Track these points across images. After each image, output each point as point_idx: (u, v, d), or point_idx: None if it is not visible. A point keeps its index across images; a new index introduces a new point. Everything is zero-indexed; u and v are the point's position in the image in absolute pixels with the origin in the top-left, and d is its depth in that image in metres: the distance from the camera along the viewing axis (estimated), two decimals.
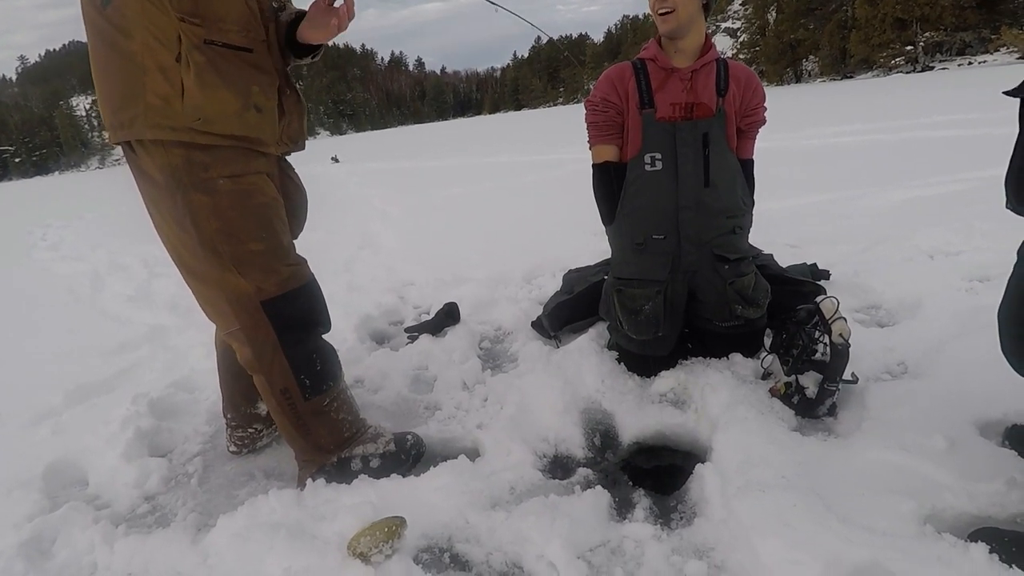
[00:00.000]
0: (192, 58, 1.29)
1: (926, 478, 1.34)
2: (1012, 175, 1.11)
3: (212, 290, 1.46)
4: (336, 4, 1.43)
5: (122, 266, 4.98)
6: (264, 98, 1.41)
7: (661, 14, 1.71)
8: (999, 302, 2.16)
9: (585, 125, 1.92)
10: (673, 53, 1.79)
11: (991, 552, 1.12)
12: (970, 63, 32.64)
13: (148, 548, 1.40)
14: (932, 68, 33.71)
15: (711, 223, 1.85)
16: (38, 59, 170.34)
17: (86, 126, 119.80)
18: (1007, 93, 1.05)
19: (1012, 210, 1.14)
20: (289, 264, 1.51)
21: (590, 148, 1.93)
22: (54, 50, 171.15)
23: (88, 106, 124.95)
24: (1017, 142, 1.09)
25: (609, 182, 1.89)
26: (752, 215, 1.98)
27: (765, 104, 1.92)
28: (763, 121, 1.94)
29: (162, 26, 1.27)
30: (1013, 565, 1.09)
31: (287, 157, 1.66)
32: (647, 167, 1.81)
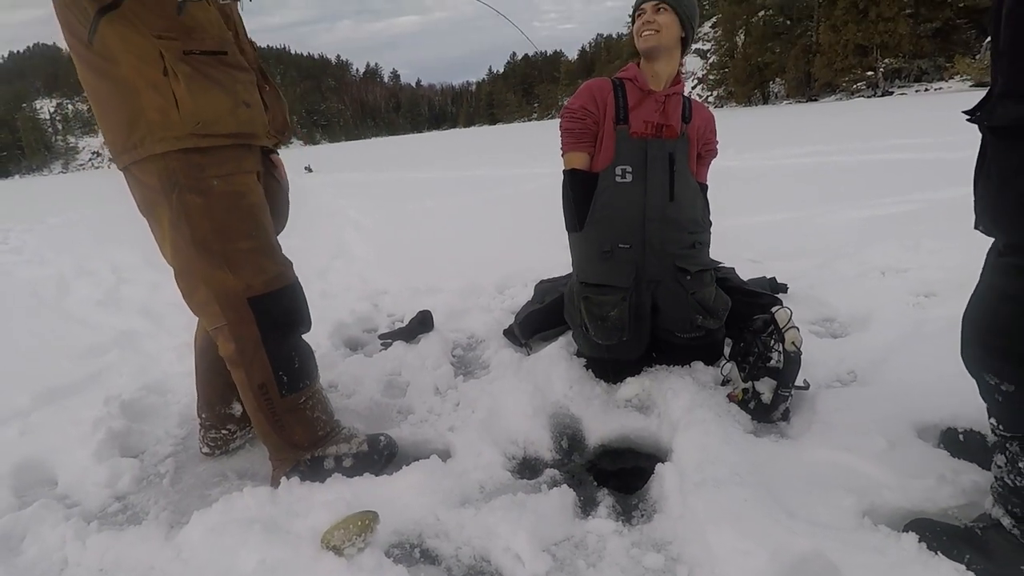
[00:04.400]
0: (178, 70, 1.37)
1: (866, 476, 1.44)
2: (988, 197, 1.11)
3: (202, 287, 1.50)
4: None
5: (89, 271, 4.89)
6: (248, 94, 1.51)
7: (645, 33, 1.87)
8: (946, 314, 2.32)
9: (560, 132, 2.01)
10: (651, 76, 1.92)
11: (920, 541, 1.22)
12: (927, 89, 34.10)
13: (121, 544, 1.42)
14: (892, 93, 35.11)
15: (674, 236, 1.97)
16: (1, 61, 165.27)
17: (49, 129, 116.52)
18: (967, 113, 1.11)
19: (984, 232, 1.16)
20: (276, 263, 1.57)
21: (563, 155, 2.02)
22: (17, 52, 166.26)
23: (52, 109, 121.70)
24: (984, 164, 1.11)
25: (579, 189, 1.97)
26: (710, 233, 2.12)
27: (717, 139, 2.13)
28: (715, 153, 2.15)
29: (143, 47, 1.36)
30: (939, 552, 1.19)
31: (278, 152, 1.75)
32: (617, 179, 1.92)
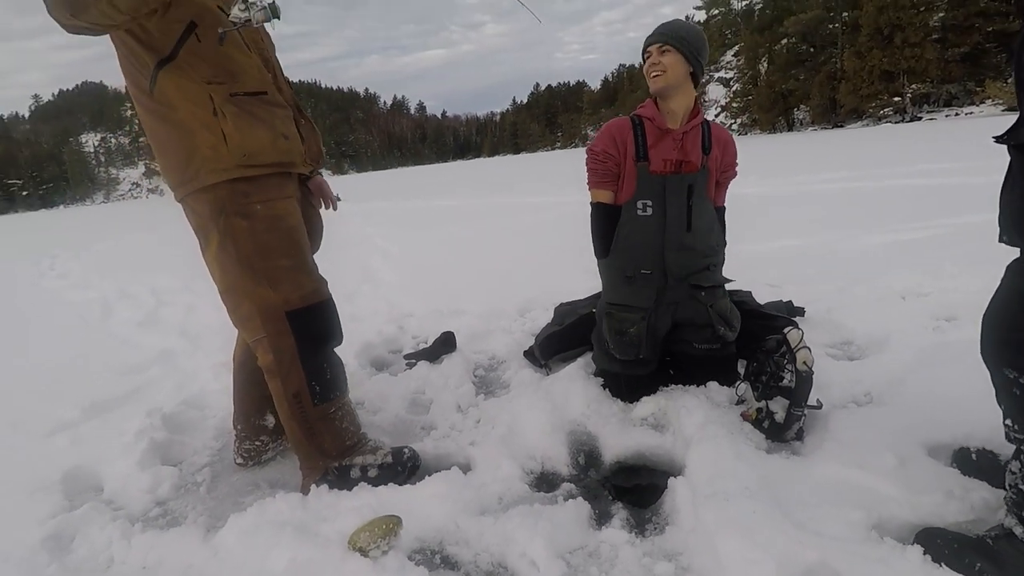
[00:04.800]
0: (225, 110, 1.55)
1: (875, 491, 1.47)
2: (1012, 210, 1.18)
3: (245, 302, 1.65)
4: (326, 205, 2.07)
5: (130, 295, 5.13)
6: (286, 127, 1.68)
7: (653, 75, 1.97)
8: (967, 337, 2.33)
9: (585, 169, 2.13)
10: (667, 114, 2.01)
11: (925, 553, 1.25)
12: (957, 114, 33.46)
13: (162, 544, 1.52)
14: (920, 118, 34.51)
15: (691, 262, 2.08)
16: (51, 98, 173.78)
17: (93, 161, 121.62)
18: (996, 139, 1.18)
19: (1008, 243, 1.22)
20: (313, 280, 1.72)
21: (589, 189, 2.14)
22: (67, 89, 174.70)
23: (96, 143, 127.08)
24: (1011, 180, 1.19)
25: (604, 221, 2.11)
26: (724, 253, 2.22)
27: (737, 160, 2.21)
28: (735, 174, 2.23)
29: (196, 93, 1.54)
30: (943, 564, 1.22)
31: (321, 174, 1.95)
32: (639, 212, 2.04)
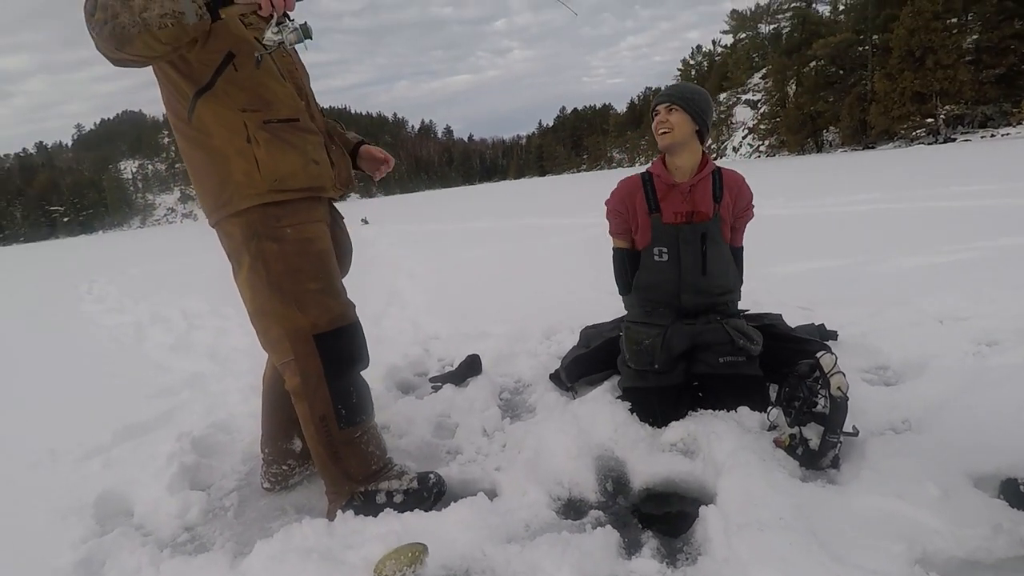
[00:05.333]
0: (259, 137, 1.60)
1: (918, 523, 1.40)
2: None
3: (274, 324, 1.67)
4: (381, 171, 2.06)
5: (163, 318, 5.26)
6: (317, 152, 1.72)
7: (661, 133, 2.10)
8: (1010, 362, 2.24)
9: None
10: (675, 170, 2.15)
11: None
12: (992, 135, 32.66)
13: (190, 570, 1.53)
14: (954, 139, 33.72)
15: (706, 301, 2.20)
16: (93, 127, 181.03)
17: (131, 188, 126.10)
18: None
19: None
20: (340, 303, 1.74)
21: (610, 235, 2.34)
22: (108, 119, 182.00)
23: (135, 169, 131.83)
24: None
25: (623, 264, 2.30)
26: (740, 292, 2.32)
27: (753, 203, 2.28)
28: (751, 217, 2.31)
29: (231, 120, 1.59)
30: None
31: (338, 207, 1.96)
32: (655, 257, 2.19)
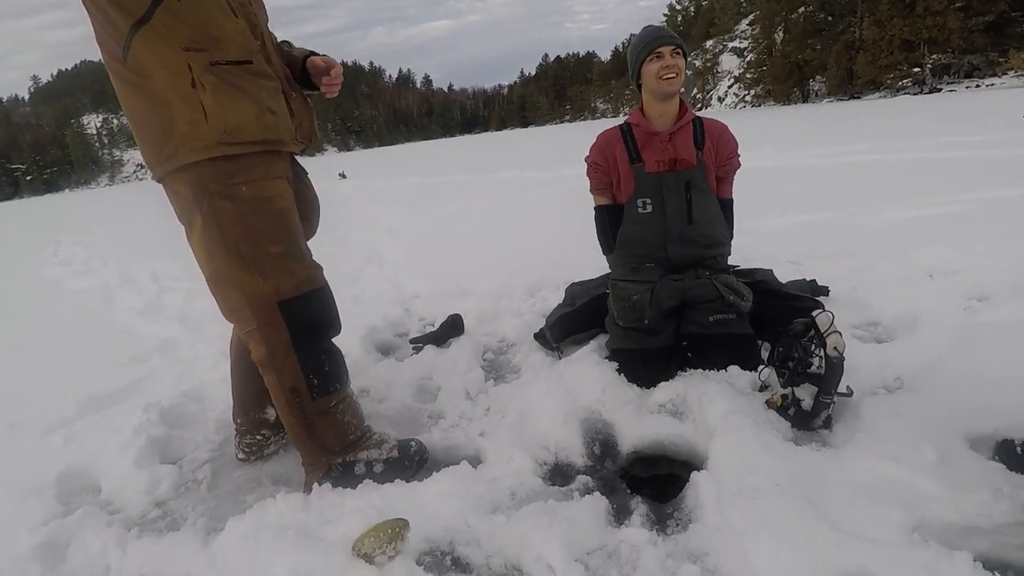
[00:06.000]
0: (205, 81, 1.41)
1: (915, 489, 1.36)
2: None
3: (234, 291, 1.54)
4: (330, 83, 1.75)
5: (132, 280, 5.07)
6: (274, 101, 1.54)
7: (668, 77, 2.01)
8: (1002, 318, 2.21)
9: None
10: (657, 118, 2.10)
11: (975, 560, 1.15)
12: (978, 85, 32.41)
13: (160, 551, 1.45)
14: (940, 90, 33.43)
15: (694, 253, 2.13)
16: (50, 78, 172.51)
17: (96, 144, 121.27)
18: None
19: None
20: (305, 267, 1.60)
21: (591, 193, 2.27)
22: (65, 69, 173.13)
23: (99, 124, 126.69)
24: None
25: (605, 222, 2.24)
26: (730, 247, 2.24)
27: (738, 151, 2.20)
28: (737, 166, 2.22)
29: (173, 60, 1.40)
30: (996, 574, 1.12)
31: (300, 161, 1.77)
32: (639, 210, 2.12)
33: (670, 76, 2.00)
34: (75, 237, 9.87)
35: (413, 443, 1.76)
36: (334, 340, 1.71)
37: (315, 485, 1.60)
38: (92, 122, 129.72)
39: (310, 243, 1.80)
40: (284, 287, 1.54)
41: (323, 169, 19.66)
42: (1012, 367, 1.81)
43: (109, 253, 7.12)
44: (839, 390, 1.70)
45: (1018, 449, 1.43)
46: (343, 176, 16.76)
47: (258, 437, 1.88)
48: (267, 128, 1.51)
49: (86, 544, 1.51)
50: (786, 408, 1.75)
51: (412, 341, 2.73)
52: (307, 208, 1.77)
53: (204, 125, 1.41)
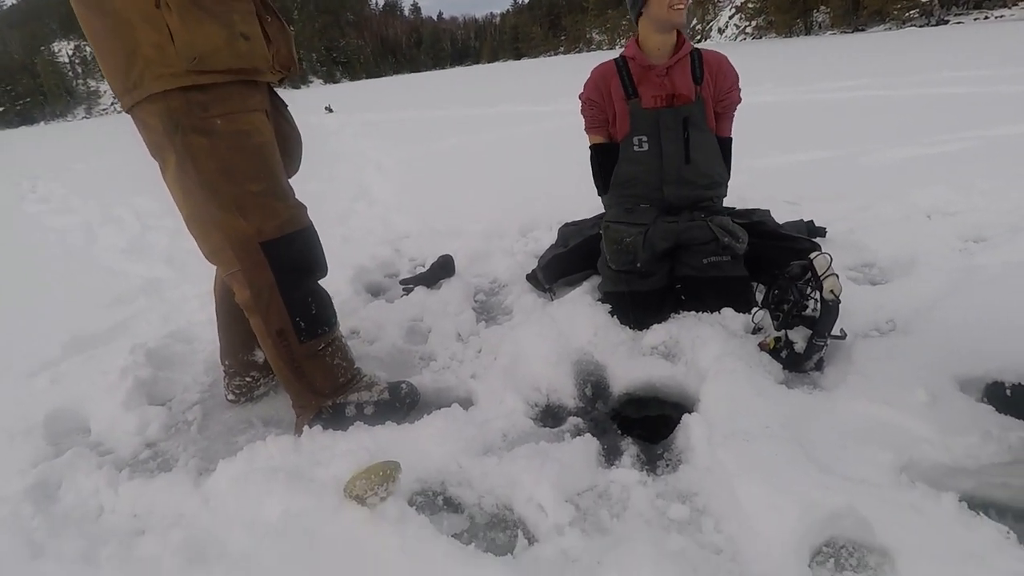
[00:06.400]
0: (170, 1, 1.29)
1: (905, 431, 1.37)
2: None
3: (214, 232, 1.47)
4: None
5: (115, 218, 4.94)
6: (247, 25, 1.43)
7: (678, 8, 1.93)
8: (998, 260, 2.19)
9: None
10: (654, 51, 2.02)
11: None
12: (987, 17, 31.39)
13: (151, 491, 1.45)
14: (947, 21, 32.34)
15: (691, 194, 2.09)
16: (14, 1, 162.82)
17: (70, 73, 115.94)
18: None
19: None
20: (288, 206, 1.53)
21: (586, 132, 2.20)
22: None
23: (71, 52, 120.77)
24: None
25: (601, 161, 2.18)
26: (727, 188, 2.20)
27: (738, 85, 2.12)
28: (738, 101, 2.14)
29: None
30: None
31: (281, 94, 1.67)
32: (635, 148, 2.07)
33: (680, 6, 1.92)
34: (52, 173, 9.55)
35: (404, 385, 1.75)
36: (320, 282, 1.66)
37: (305, 427, 1.59)
38: (64, 49, 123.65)
39: (293, 180, 1.73)
40: (267, 227, 1.48)
41: (309, 102, 19.00)
42: (1005, 310, 1.80)
43: (89, 190, 6.90)
44: (833, 333, 1.69)
45: (1007, 391, 1.44)
46: (329, 110, 16.22)
47: (247, 379, 1.86)
48: (240, 55, 1.39)
49: (77, 485, 1.50)
50: (779, 351, 1.74)
51: (402, 282, 2.69)
52: (288, 144, 1.68)
53: (171, 49, 1.30)
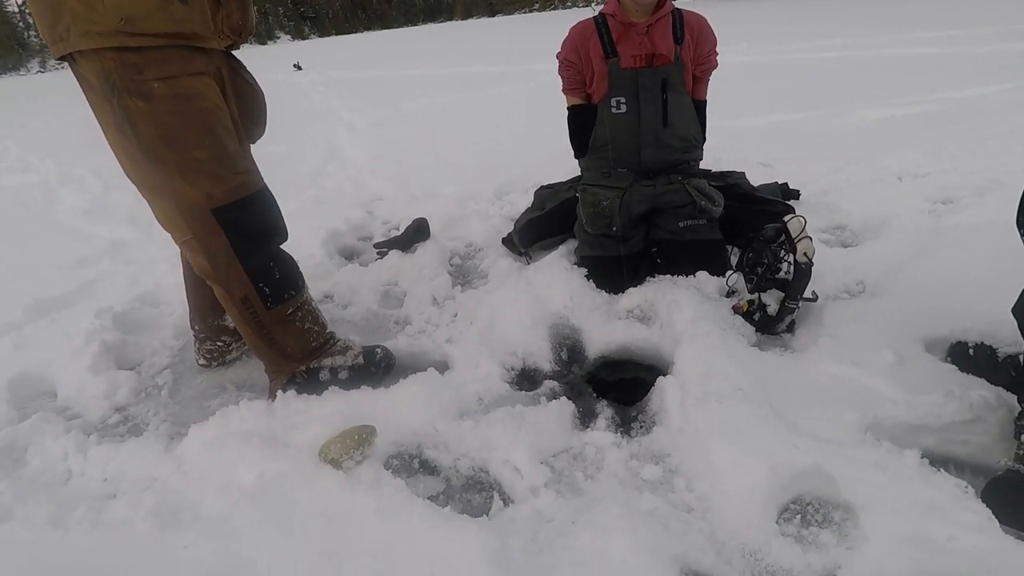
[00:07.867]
0: None
1: (872, 390, 1.41)
2: None
3: (161, 198, 1.41)
4: None
5: (75, 178, 4.72)
6: None
7: None
8: (964, 221, 2.23)
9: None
10: (634, 9, 1.95)
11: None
12: None
13: (122, 456, 1.43)
14: None
15: (668, 157, 2.07)
16: None
17: (20, 24, 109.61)
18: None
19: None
20: (237, 172, 1.45)
21: (563, 93, 2.16)
22: None
23: (20, 1, 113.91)
24: None
25: (578, 124, 2.14)
26: (703, 150, 2.19)
27: (716, 49, 2.09)
28: (715, 65, 2.12)
29: None
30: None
31: (235, 53, 1.56)
32: (613, 109, 2.04)
33: None
34: (6, 130, 9.08)
35: (379, 349, 1.73)
36: (292, 245, 1.61)
37: (279, 392, 1.57)
38: (12, 0, 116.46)
39: (260, 142, 1.66)
40: (217, 192, 1.40)
41: (276, 59, 18.28)
42: (970, 271, 1.85)
43: (46, 148, 6.58)
44: (804, 295, 1.72)
45: (970, 351, 1.48)
46: (298, 67, 15.62)
47: (219, 344, 1.82)
48: (174, 20, 1.28)
49: (45, 449, 1.47)
50: (752, 313, 1.76)
51: (376, 246, 2.64)
52: (249, 106, 1.58)
53: (100, 7, 1.20)
